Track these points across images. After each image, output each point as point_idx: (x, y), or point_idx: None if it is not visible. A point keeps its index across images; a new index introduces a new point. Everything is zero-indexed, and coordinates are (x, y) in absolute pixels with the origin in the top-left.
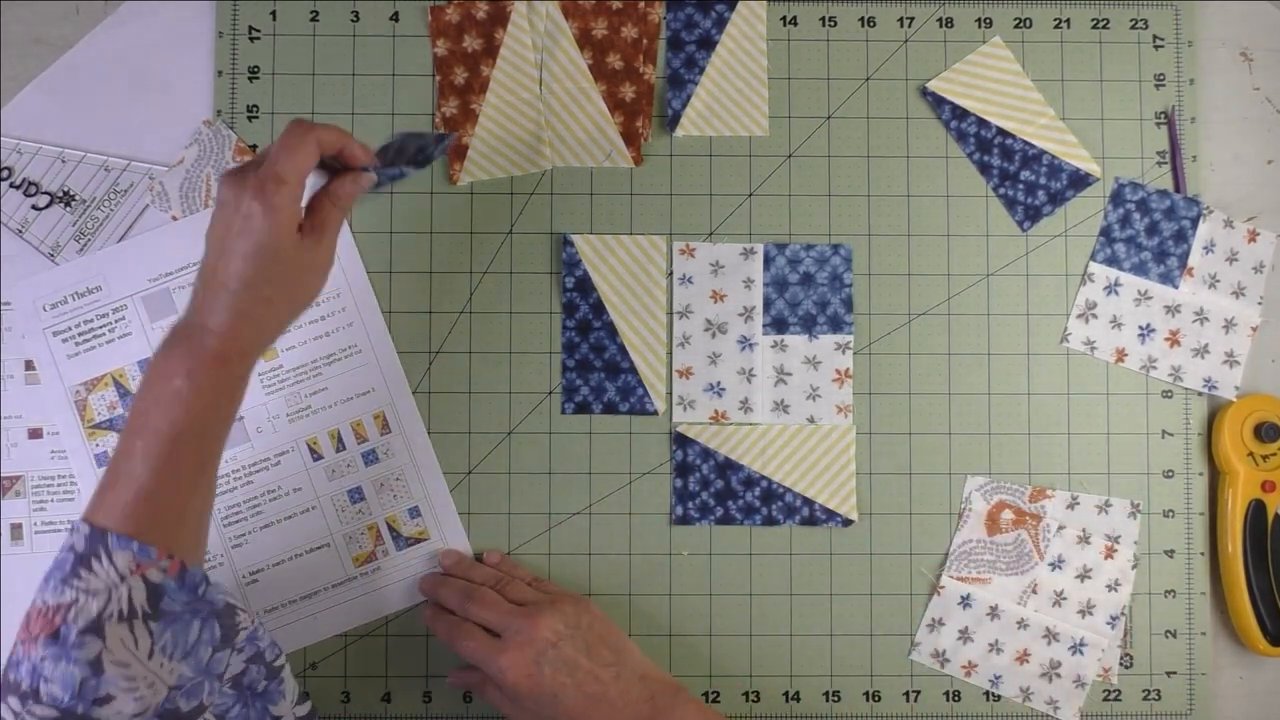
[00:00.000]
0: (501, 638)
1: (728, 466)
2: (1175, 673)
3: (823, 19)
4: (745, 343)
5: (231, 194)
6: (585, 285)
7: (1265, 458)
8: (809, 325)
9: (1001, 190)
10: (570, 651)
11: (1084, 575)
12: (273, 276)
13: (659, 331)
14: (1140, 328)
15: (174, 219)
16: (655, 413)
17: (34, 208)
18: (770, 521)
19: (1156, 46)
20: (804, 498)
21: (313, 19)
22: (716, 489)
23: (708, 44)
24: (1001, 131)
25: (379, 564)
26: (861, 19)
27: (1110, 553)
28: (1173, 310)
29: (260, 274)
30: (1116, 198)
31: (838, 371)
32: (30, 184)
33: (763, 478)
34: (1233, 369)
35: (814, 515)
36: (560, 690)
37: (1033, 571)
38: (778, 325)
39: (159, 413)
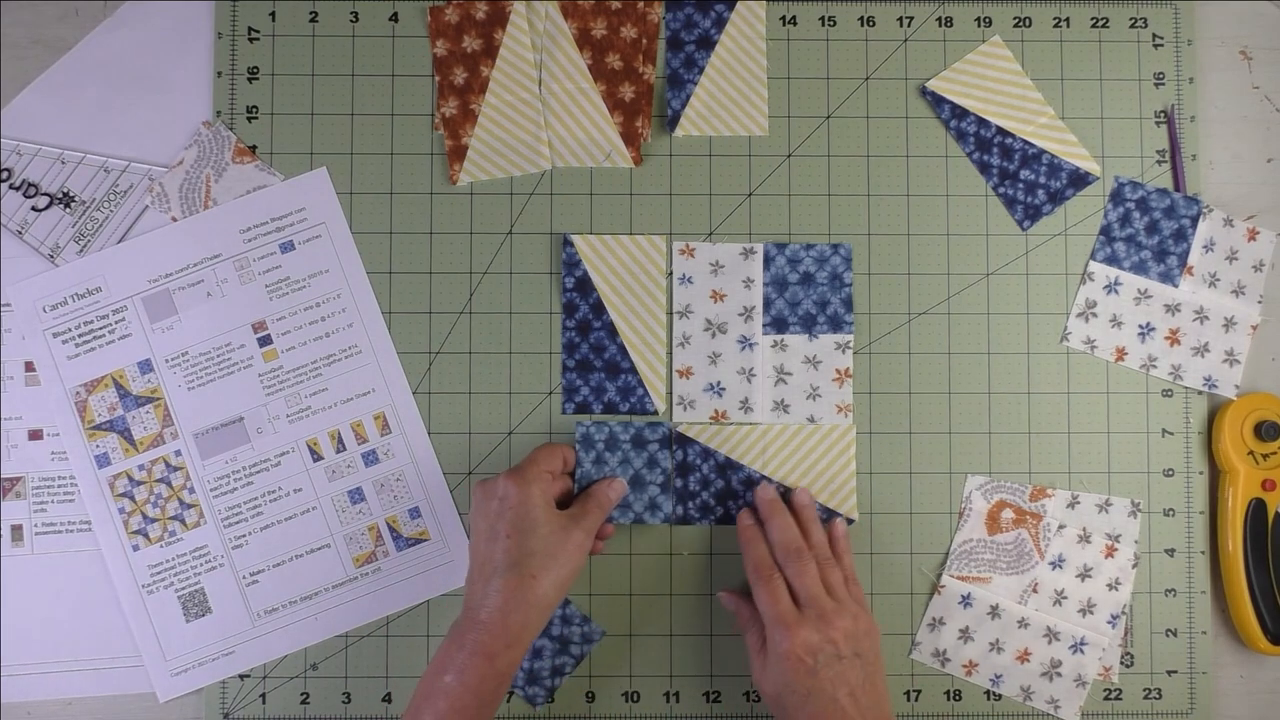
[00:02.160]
0: (801, 610)
1: (728, 466)
2: (1176, 671)
3: (822, 19)
4: (745, 342)
5: (485, 489)
6: (585, 285)
7: (1265, 456)
8: (809, 325)
9: (1001, 189)
10: (850, 671)
11: (1084, 574)
12: (535, 549)
13: (659, 331)
14: (1140, 326)
15: (173, 220)
16: (655, 412)
17: (34, 209)
18: None
19: (1156, 45)
20: None
21: (312, 20)
22: (717, 489)
23: (707, 44)
24: (1001, 130)
25: (379, 564)
26: (861, 18)
27: (1111, 552)
28: (1173, 309)
29: (523, 547)
30: (1116, 196)
31: (838, 371)
32: (30, 185)
33: (763, 478)
34: (1233, 367)
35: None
36: (815, 696)
37: (1033, 570)
38: (778, 325)
39: (429, 706)
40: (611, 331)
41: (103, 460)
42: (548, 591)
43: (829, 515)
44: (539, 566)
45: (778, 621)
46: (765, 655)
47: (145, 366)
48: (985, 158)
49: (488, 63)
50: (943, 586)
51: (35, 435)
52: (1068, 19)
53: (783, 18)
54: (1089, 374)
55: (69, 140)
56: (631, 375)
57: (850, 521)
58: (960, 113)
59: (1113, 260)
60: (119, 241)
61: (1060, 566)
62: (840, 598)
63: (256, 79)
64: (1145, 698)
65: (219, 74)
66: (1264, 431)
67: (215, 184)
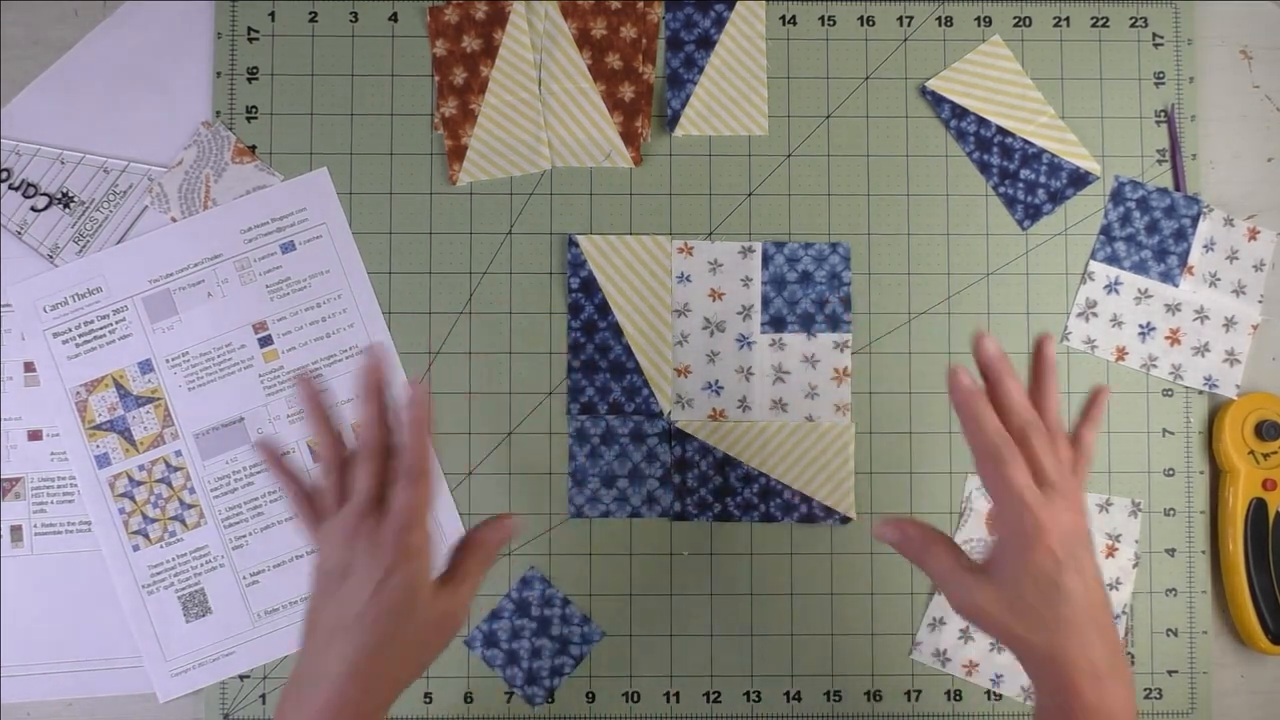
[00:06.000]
0: (1049, 488)
1: (726, 463)
2: (1176, 671)
3: (822, 18)
4: (743, 341)
5: (344, 555)
6: (590, 286)
7: (1266, 456)
8: (807, 324)
9: (1001, 189)
10: (1090, 554)
11: None
12: (405, 635)
13: (665, 332)
14: (1140, 326)
15: (173, 220)
16: (661, 413)
17: (33, 209)
18: (768, 518)
19: (1156, 45)
20: (802, 495)
21: (311, 20)
22: (715, 485)
23: (707, 43)
24: (1001, 130)
25: None
26: (860, 18)
27: (1111, 551)
28: (1173, 309)
29: (392, 634)
30: (1116, 196)
31: (836, 370)
32: (29, 185)
33: (761, 474)
34: (1233, 367)
35: (812, 512)
36: (1071, 595)
37: None
38: (775, 324)
39: None
40: (617, 332)
41: (103, 460)
42: (404, 672)
43: (829, 515)
44: (403, 650)
45: (1028, 507)
46: (974, 571)
47: (146, 366)
48: (985, 157)
49: (487, 63)
50: None
51: (35, 435)
52: (1068, 18)
53: (782, 17)
54: (1089, 374)
55: (69, 140)
56: (637, 375)
57: (848, 520)
58: (960, 112)
59: (1113, 260)
60: (119, 242)
61: None
62: (1074, 474)
63: (256, 79)
64: (1145, 698)
65: (219, 74)
66: (1264, 431)
67: (215, 184)
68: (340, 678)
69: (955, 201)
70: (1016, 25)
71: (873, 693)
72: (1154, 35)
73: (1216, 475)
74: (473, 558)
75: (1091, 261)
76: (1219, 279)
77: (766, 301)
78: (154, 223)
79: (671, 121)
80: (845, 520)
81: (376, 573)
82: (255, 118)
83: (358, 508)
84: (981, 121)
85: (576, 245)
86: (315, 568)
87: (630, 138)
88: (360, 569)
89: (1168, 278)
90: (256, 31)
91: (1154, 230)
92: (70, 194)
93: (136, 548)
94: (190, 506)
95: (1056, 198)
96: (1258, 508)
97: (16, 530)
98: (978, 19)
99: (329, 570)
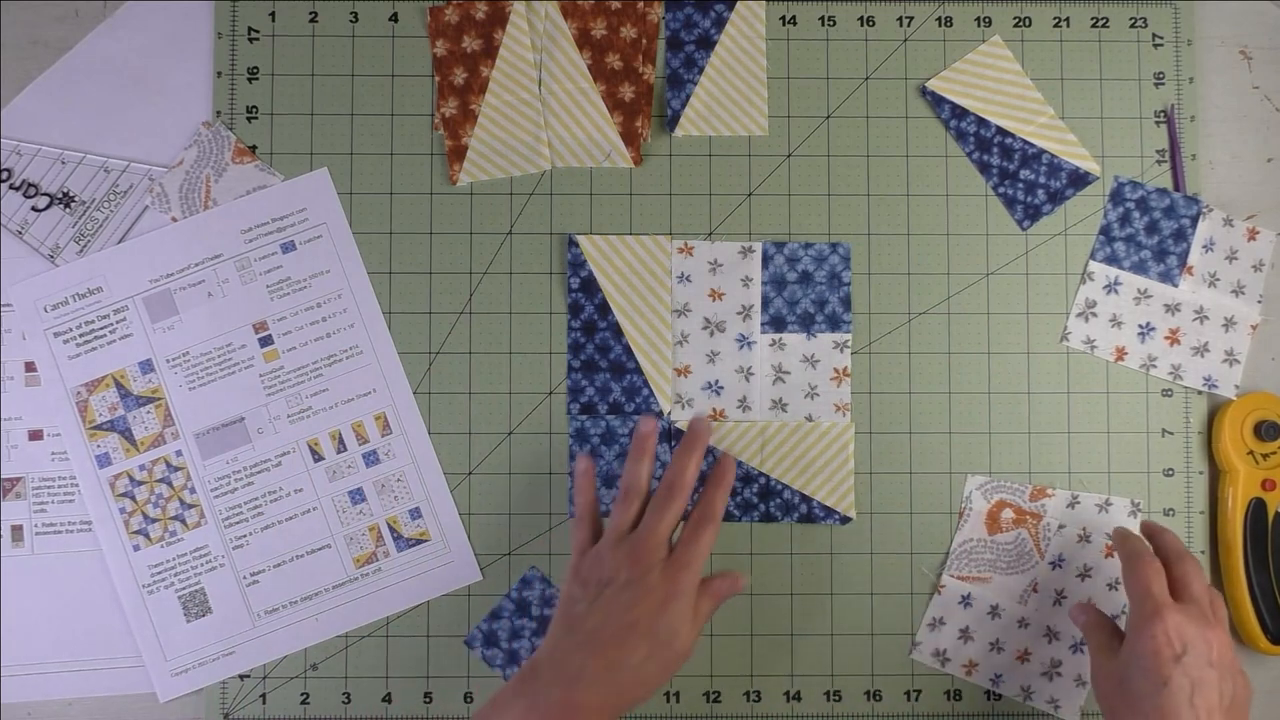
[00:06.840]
0: (1205, 609)
1: None
2: None
3: (822, 18)
4: (743, 341)
5: (636, 573)
6: (590, 286)
7: (1265, 456)
8: (807, 324)
9: (1001, 189)
10: (1217, 686)
11: (1085, 574)
12: (655, 654)
13: (664, 332)
14: (1140, 326)
15: (173, 220)
16: (661, 414)
17: (34, 209)
18: (768, 518)
19: (1156, 45)
20: (802, 495)
21: (312, 20)
22: None
23: (707, 44)
24: (1001, 130)
25: (380, 565)
26: (860, 18)
27: (1111, 552)
28: (1172, 309)
29: (646, 652)
30: (1116, 196)
31: (836, 370)
32: (30, 185)
33: (761, 474)
34: (1233, 367)
35: (812, 513)
36: (1169, 691)
37: (1033, 570)
38: (775, 324)
39: None
40: (617, 332)
41: (103, 460)
42: (637, 690)
43: (829, 515)
44: (647, 669)
45: (1148, 598)
46: (1113, 651)
47: (146, 366)
48: (985, 157)
49: (488, 63)
50: (943, 586)
51: (35, 435)
52: (1068, 19)
53: (782, 18)
54: (1089, 374)
55: (69, 140)
56: (637, 375)
57: (848, 520)
58: (960, 112)
59: (1112, 260)
60: (119, 241)
61: (1060, 566)
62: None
63: (256, 79)
64: None
65: (219, 74)
66: (1264, 431)
67: (215, 184)
68: (592, 679)
69: (955, 201)
70: (1016, 25)
71: (873, 692)
72: (1154, 35)
73: (1216, 475)
74: (706, 599)
75: (1091, 261)
76: (1218, 279)
77: (766, 301)
78: (154, 223)
79: (671, 121)
80: (845, 520)
81: (646, 596)
82: (255, 118)
83: (615, 534)
84: (981, 122)
85: (576, 245)
86: (573, 578)
87: (630, 138)
88: (624, 588)
89: (1167, 278)
90: (256, 31)
91: (1153, 230)
92: (71, 194)
93: (137, 547)
94: (190, 506)
95: (1056, 198)
96: (1257, 508)
97: (17, 530)
98: (978, 19)
99: (587, 579)
